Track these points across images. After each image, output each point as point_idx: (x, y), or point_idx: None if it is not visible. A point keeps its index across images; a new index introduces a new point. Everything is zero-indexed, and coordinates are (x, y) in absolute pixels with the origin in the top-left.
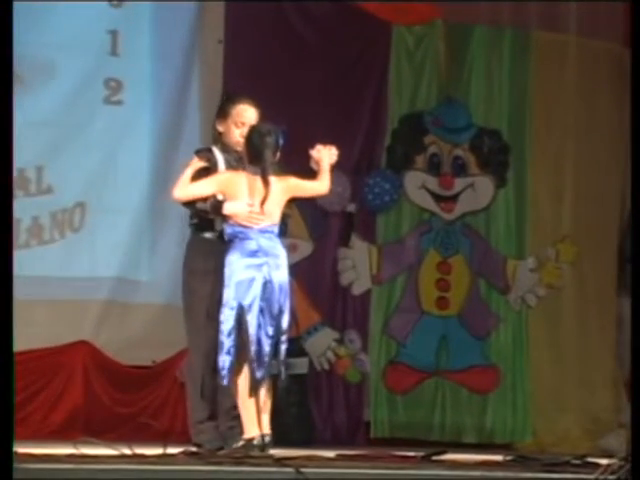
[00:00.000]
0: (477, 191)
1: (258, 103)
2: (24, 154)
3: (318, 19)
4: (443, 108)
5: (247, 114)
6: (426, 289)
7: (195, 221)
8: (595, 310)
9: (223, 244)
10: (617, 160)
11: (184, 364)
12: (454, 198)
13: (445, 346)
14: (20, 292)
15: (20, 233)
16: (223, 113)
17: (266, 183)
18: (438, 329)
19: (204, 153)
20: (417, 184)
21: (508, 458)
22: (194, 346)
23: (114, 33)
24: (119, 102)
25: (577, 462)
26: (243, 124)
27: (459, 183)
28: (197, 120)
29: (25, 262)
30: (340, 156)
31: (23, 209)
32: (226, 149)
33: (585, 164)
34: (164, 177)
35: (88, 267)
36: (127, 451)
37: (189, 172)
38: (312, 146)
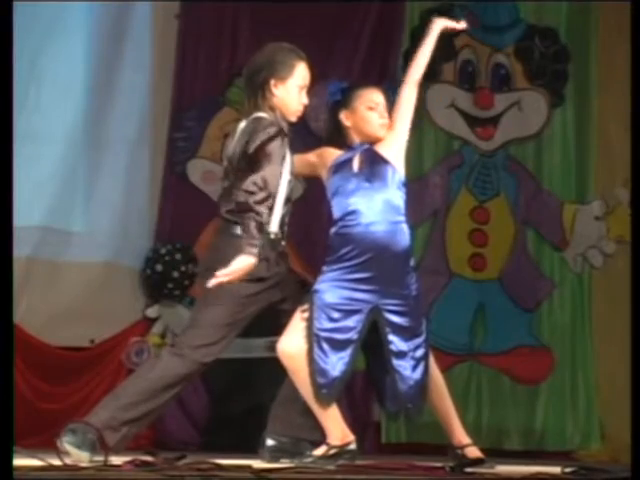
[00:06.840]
0: (525, 111)
1: None
2: None
3: None
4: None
5: None
6: (456, 243)
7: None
8: None
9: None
10: None
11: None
12: (494, 121)
13: (482, 320)
14: None
15: None
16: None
17: None
18: (472, 297)
19: None
20: (444, 102)
21: (568, 470)
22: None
23: None
24: None
25: None
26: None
27: (501, 100)
28: (148, 16)
29: None
30: (341, 63)
31: None
32: None
33: None
34: (104, 95)
35: None
36: (56, 461)
37: None
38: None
